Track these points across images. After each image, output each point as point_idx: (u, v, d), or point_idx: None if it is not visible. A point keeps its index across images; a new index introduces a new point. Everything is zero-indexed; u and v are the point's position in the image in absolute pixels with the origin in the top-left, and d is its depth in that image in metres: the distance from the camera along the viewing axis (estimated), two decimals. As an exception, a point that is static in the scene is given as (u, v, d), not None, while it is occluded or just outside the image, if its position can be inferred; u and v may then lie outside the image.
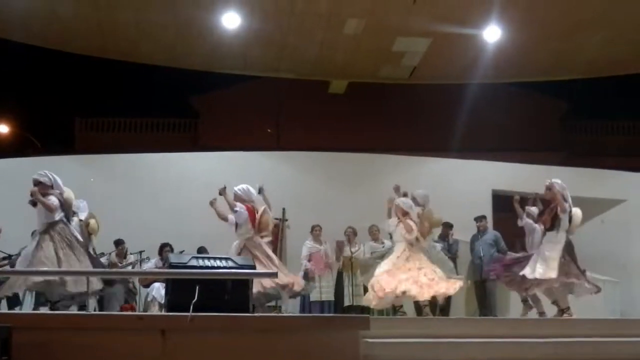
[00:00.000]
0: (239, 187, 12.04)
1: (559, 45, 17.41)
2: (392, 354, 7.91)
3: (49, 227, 11.06)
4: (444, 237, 14.72)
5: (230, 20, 16.15)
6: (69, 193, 11.44)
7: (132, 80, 27.34)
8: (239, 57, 18.16)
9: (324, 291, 14.79)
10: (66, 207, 11.28)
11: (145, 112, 30.45)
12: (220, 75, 21.08)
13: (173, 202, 16.03)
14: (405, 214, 12.12)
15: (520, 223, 12.61)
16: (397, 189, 12.73)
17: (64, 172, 15.59)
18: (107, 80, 28.84)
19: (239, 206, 11.78)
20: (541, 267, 11.41)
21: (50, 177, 11.34)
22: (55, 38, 17.59)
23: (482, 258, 14.44)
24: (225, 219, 11.79)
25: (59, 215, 11.11)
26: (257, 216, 11.89)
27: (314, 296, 14.72)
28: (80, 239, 11.28)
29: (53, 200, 11.10)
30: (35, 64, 26.72)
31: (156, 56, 18.69)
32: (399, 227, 12.19)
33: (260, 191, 12.36)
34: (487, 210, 16.74)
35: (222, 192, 11.85)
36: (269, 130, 29.27)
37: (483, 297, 14.61)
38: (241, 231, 11.77)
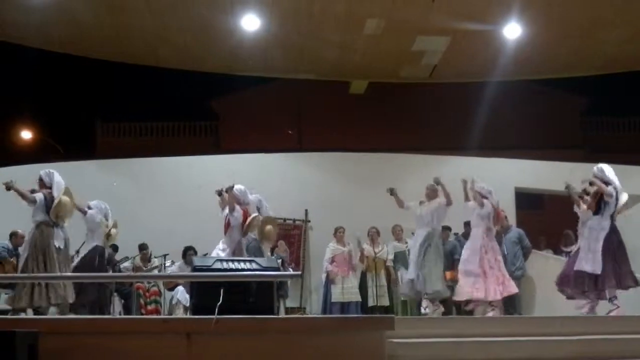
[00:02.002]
0: (237, 188, 12.18)
1: (578, 42, 17.35)
2: (416, 353, 7.89)
3: (35, 227, 11.28)
4: (466, 236, 14.67)
5: (250, 23, 16.16)
6: (64, 200, 11.48)
7: (152, 85, 27.43)
8: (259, 59, 18.16)
9: (346, 292, 14.79)
10: (55, 211, 11.36)
11: (166, 116, 30.57)
12: (240, 78, 21.13)
13: (196, 205, 16.03)
14: (484, 197, 12.46)
15: (576, 209, 12.42)
16: (437, 182, 12.86)
17: (87, 177, 15.78)
18: (128, 84, 28.99)
19: (237, 209, 11.90)
20: (588, 263, 11.34)
21: (51, 179, 11.52)
22: (74, 44, 17.67)
23: (506, 256, 14.37)
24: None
25: (40, 216, 11.27)
26: (247, 221, 11.98)
27: (335, 297, 14.73)
28: (60, 247, 11.35)
29: (37, 195, 11.32)
30: (55, 70, 26.88)
31: (176, 60, 18.74)
32: (475, 211, 12.45)
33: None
34: (511, 208, 16.68)
35: (229, 190, 11.98)
36: (289, 132, 29.29)
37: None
38: (233, 235, 11.87)
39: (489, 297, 11.97)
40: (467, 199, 12.61)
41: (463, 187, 12.62)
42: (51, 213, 11.30)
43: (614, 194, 11.46)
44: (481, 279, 12.04)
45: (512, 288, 12.21)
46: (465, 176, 12.84)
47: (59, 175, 11.72)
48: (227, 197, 12.08)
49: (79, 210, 12.12)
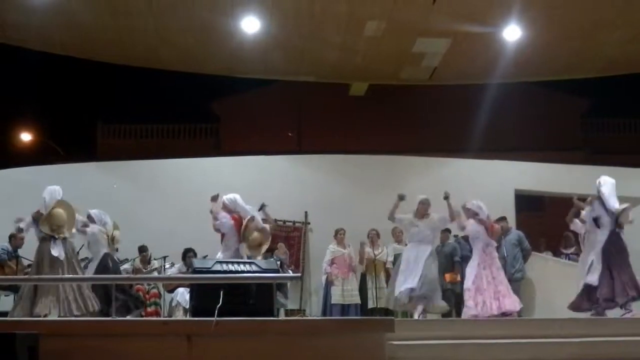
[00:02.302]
0: (227, 197, 11.95)
1: (579, 43, 17.33)
2: (416, 355, 7.91)
3: None
4: (466, 238, 14.68)
5: (250, 25, 16.14)
6: (55, 212, 11.56)
7: (153, 87, 27.43)
8: (259, 61, 18.15)
9: (346, 294, 14.78)
10: (45, 223, 11.48)
11: (166, 118, 30.57)
12: (240, 80, 21.11)
13: (196, 207, 15.96)
14: (475, 214, 12.42)
15: (571, 227, 12.60)
16: (446, 196, 12.78)
17: (87, 179, 15.79)
18: (129, 86, 28.98)
19: (223, 215, 11.79)
20: (591, 275, 11.43)
21: (43, 196, 11.69)
22: (75, 46, 17.65)
23: (505, 258, 14.37)
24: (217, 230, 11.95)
25: (37, 232, 11.55)
26: (243, 224, 11.86)
27: (335, 299, 14.73)
28: (60, 257, 11.41)
29: (25, 219, 11.70)
30: (56, 72, 26.89)
31: (176, 62, 18.72)
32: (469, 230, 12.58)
33: (261, 208, 12.43)
34: (511, 210, 16.67)
35: (214, 199, 11.92)
36: (290, 134, 29.29)
37: (507, 297, 14.55)
38: (228, 243, 11.76)
39: (486, 312, 11.96)
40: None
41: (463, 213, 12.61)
42: (40, 226, 11.44)
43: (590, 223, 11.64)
44: (471, 295, 12.04)
45: (510, 305, 12.11)
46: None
47: (57, 186, 11.89)
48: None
49: (80, 231, 12.20)
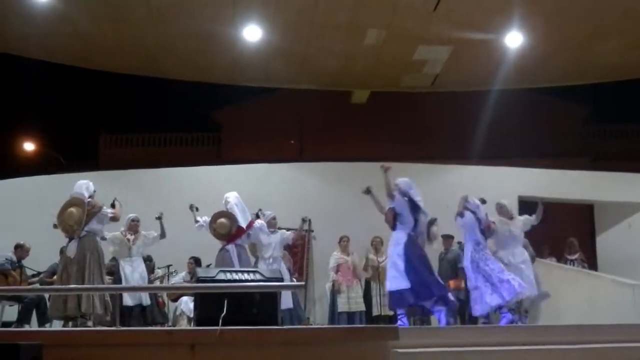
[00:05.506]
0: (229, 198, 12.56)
1: (580, 50, 17.34)
2: (421, 363, 7.89)
3: None
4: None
5: (251, 34, 16.19)
6: (67, 211, 11.51)
7: (154, 96, 27.48)
8: (261, 70, 18.19)
9: (352, 302, 14.78)
10: (59, 223, 11.50)
11: (168, 127, 30.61)
12: (242, 88, 21.14)
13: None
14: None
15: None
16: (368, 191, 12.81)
17: (90, 188, 15.69)
18: (130, 96, 29.04)
19: (202, 220, 12.53)
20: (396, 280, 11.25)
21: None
22: (76, 55, 17.69)
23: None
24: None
25: None
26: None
27: (341, 307, 14.73)
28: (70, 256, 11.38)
29: None
30: (58, 81, 26.93)
31: (177, 71, 18.75)
32: (458, 223, 12.66)
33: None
34: (514, 217, 16.65)
35: (192, 208, 12.91)
36: (291, 142, 29.31)
37: (511, 304, 14.51)
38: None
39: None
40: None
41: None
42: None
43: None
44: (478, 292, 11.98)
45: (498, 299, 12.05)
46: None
47: (74, 186, 11.82)
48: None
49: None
